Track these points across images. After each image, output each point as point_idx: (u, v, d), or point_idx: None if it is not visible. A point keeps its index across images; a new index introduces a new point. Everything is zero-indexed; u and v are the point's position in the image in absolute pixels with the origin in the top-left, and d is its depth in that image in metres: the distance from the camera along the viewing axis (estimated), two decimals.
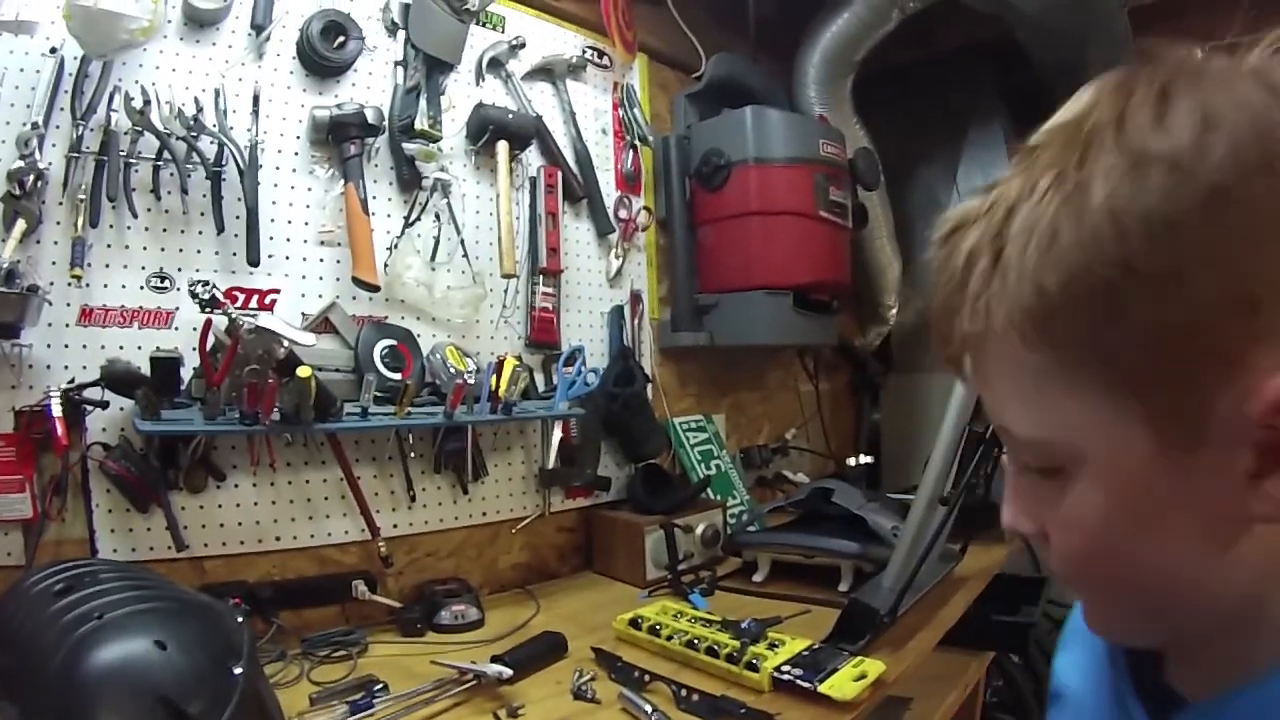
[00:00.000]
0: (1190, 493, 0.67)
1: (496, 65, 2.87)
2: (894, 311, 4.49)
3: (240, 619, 1.54)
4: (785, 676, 1.80)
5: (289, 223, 2.35)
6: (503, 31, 2.91)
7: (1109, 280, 0.63)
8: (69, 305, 1.99)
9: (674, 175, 3.39)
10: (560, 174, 2.97)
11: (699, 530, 2.86)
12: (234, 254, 2.22)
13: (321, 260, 2.40)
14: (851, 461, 4.42)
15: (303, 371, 1.97)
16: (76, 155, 1.98)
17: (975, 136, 4.62)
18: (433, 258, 2.61)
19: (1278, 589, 0.70)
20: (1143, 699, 0.85)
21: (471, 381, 2.38)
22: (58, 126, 1.98)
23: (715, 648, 1.94)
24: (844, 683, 1.74)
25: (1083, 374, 0.68)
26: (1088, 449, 0.70)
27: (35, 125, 1.92)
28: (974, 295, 0.73)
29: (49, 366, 1.97)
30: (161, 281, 2.12)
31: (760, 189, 3.24)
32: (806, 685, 1.75)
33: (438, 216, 2.64)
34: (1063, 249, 0.65)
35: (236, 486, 2.21)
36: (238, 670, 1.39)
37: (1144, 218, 0.62)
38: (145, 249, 2.11)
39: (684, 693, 1.79)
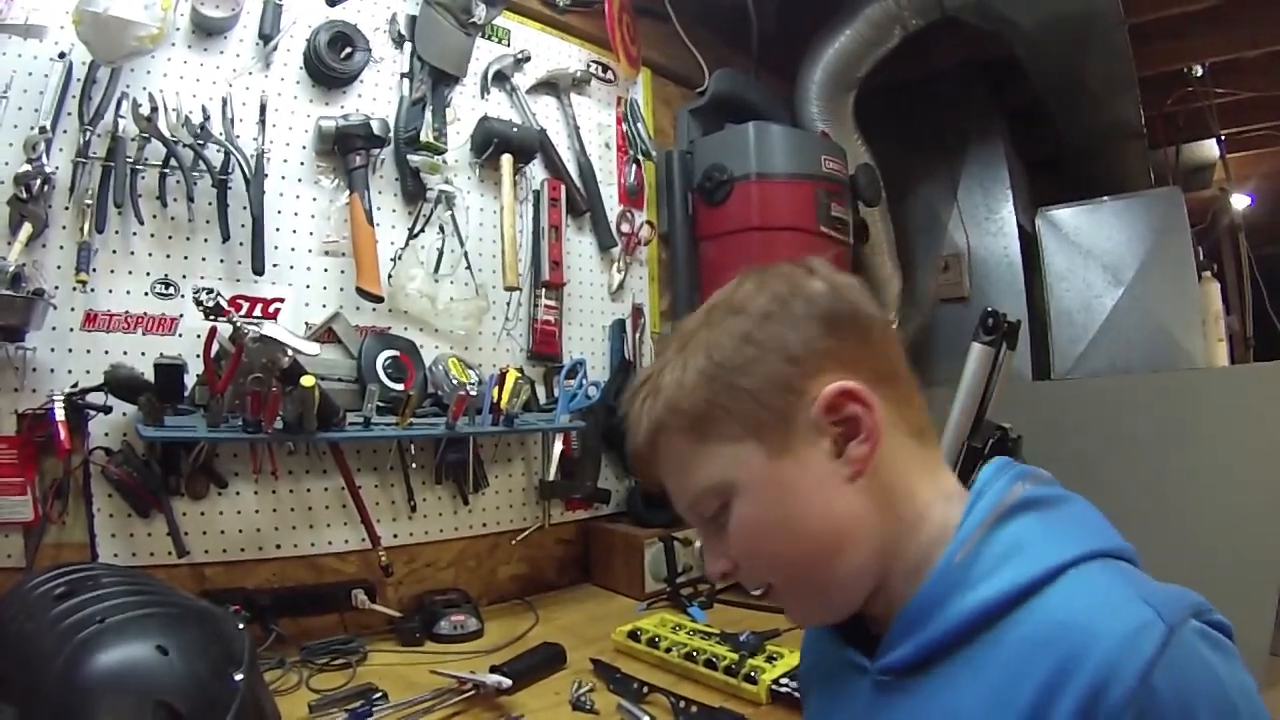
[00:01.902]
0: (807, 476, 1.04)
1: (501, 78, 2.89)
2: (894, 327, 4.48)
3: (240, 626, 1.54)
4: (783, 689, 1.81)
5: (294, 232, 2.37)
6: (508, 45, 2.93)
7: (732, 366, 1.05)
8: (73, 310, 2.01)
9: (676, 190, 3.40)
10: (564, 187, 2.99)
11: (698, 544, 2.82)
12: (239, 262, 2.23)
13: (325, 270, 2.42)
14: None
15: (306, 381, 1.98)
16: (83, 160, 1.99)
17: (975, 152, 4.64)
18: (436, 269, 2.62)
19: (900, 529, 1.04)
20: (855, 649, 1.11)
21: (474, 393, 2.39)
22: (65, 131, 2.00)
23: (714, 660, 1.94)
24: None
25: (711, 438, 1.06)
26: (732, 478, 1.05)
27: (43, 129, 1.93)
28: (636, 422, 1.13)
29: (52, 370, 1.98)
30: (166, 288, 2.13)
31: (762, 204, 3.24)
32: None
33: (441, 228, 2.65)
34: (682, 379, 1.08)
35: (238, 494, 2.22)
36: (238, 677, 1.39)
37: (743, 338, 1.06)
38: (150, 255, 2.12)
39: (682, 704, 1.79)
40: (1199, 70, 4.87)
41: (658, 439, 1.10)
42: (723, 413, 1.05)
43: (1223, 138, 5.58)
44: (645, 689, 1.89)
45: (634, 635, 2.17)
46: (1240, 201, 6.43)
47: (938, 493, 1.08)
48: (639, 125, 3.34)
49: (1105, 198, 4.23)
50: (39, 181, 1.90)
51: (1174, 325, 3.84)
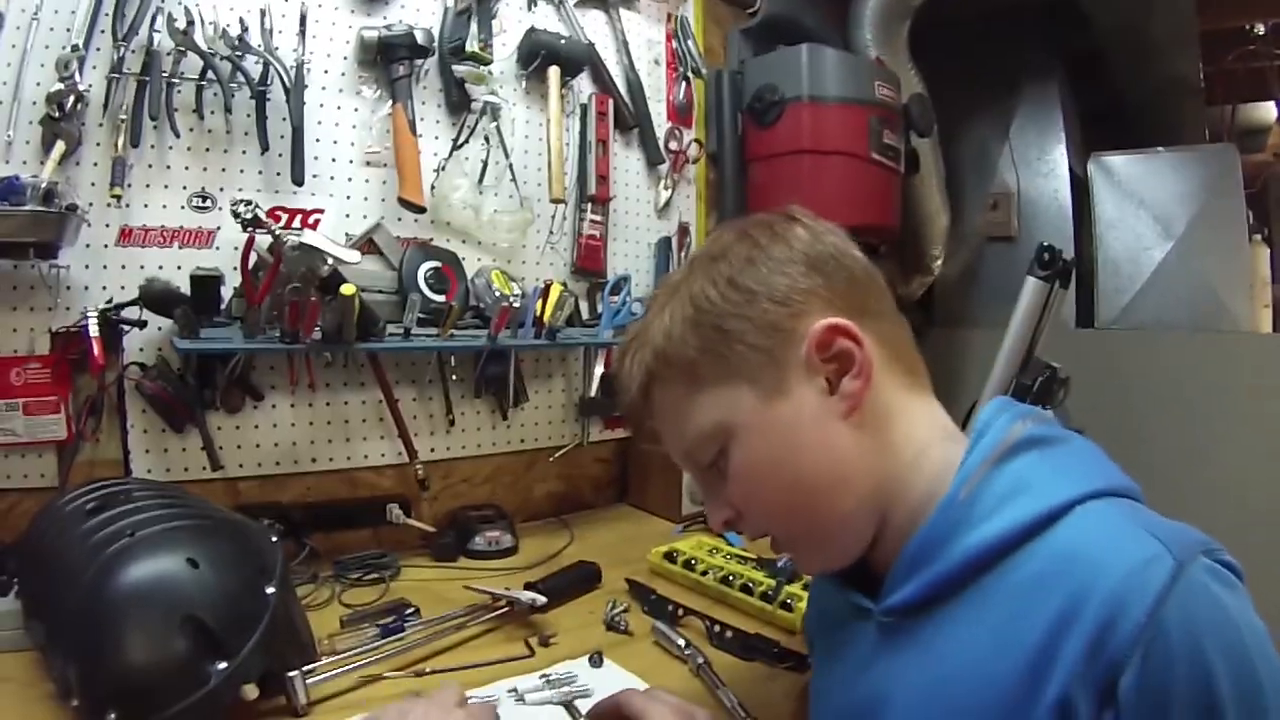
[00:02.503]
0: (803, 415, 1.06)
1: None
2: (939, 262, 4.43)
3: (274, 540, 1.54)
4: None
5: (334, 143, 2.34)
6: None
7: (717, 311, 1.08)
8: (108, 226, 2.00)
9: (726, 109, 3.33)
10: (611, 102, 2.94)
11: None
12: (277, 174, 2.21)
13: (367, 181, 2.39)
14: None
15: (347, 289, 1.95)
16: (117, 76, 1.96)
17: (1030, 94, 4.55)
18: (480, 181, 2.59)
19: (899, 467, 1.06)
20: (859, 591, 1.13)
21: (516, 306, 2.36)
22: (98, 49, 1.97)
23: (750, 585, 1.93)
24: None
25: (703, 383, 1.09)
26: (728, 421, 1.07)
27: (75, 48, 1.91)
28: (627, 377, 1.17)
29: (87, 288, 1.97)
30: (203, 201, 2.11)
31: (813, 127, 3.18)
32: None
33: (486, 140, 2.61)
34: (670, 329, 1.11)
35: (274, 407, 2.22)
36: (270, 590, 1.39)
37: (727, 282, 1.09)
38: (187, 169, 2.10)
39: (717, 629, 1.77)
40: (1261, 29, 4.77)
41: (651, 390, 1.14)
42: (713, 358, 1.08)
43: None
44: (680, 611, 1.88)
45: (670, 557, 2.16)
46: None
47: (937, 431, 1.11)
48: (689, 42, 3.28)
49: (1160, 148, 4.16)
50: (72, 99, 1.88)
51: (1221, 286, 3.77)
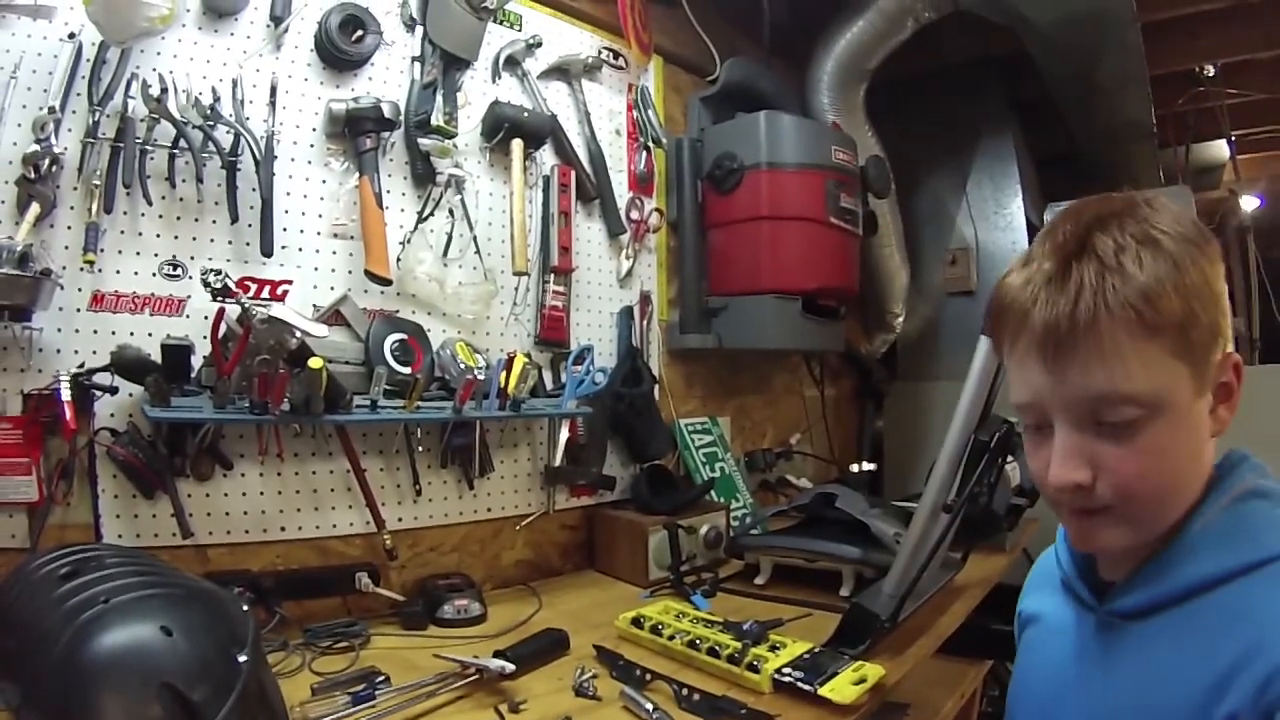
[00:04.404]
0: (1200, 421, 1.13)
1: (513, 63, 2.89)
2: (900, 319, 4.50)
3: (245, 608, 1.54)
4: (786, 678, 1.80)
5: (303, 214, 2.36)
6: (520, 30, 2.92)
7: (1195, 289, 1.08)
8: (81, 290, 2.00)
9: (686, 177, 3.40)
10: (574, 173, 2.98)
11: (702, 532, 2.87)
12: (247, 244, 2.23)
13: (334, 253, 2.41)
14: (854, 468, 4.45)
15: (314, 363, 1.98)
16: (92, 141, 1.98)
17: (985, 146, 4.65)
18: (445, 253, 2.62)
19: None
20: (1087, 587, 1.30)
21: (481, 377, 2.39)
22: (74, 112, 1.99)
23: (717, 648, 1.94)
24: (844, 686, 1.74)
25: (1166, 347, 1.07)
26: (1167, 397, 1.08)
27: (52, 110, 1.93)
28: (1074, 287, 1.09)
29: (59, 351, 1.97)
30: (174, 269, 2.13)
31: (772, 194, 3.25)
32: (807, 687, 1.75)
33: (451, 212, 2.65)
34: (1159, 276, 1.07)
35: (243, 476, 2.22)
36: (242, 658, 1.39)
37: (1201, 273, 1.11)
38: (159, 236, 2.11)
39: (685, 692, 1.79)
40: (1211, 70, 4.87)
41: (1101, 318, 1.07)
42: (1179, 331, 1.07)
43: (1233, 139, 5.59)
44: (648, 676, 1.89)
45: (637, 622, 2.17)
46: (1249, 203, 6.45)
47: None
48: (650, 112, 3.34)
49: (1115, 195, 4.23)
50: (47, 161, 1.89)
51: None
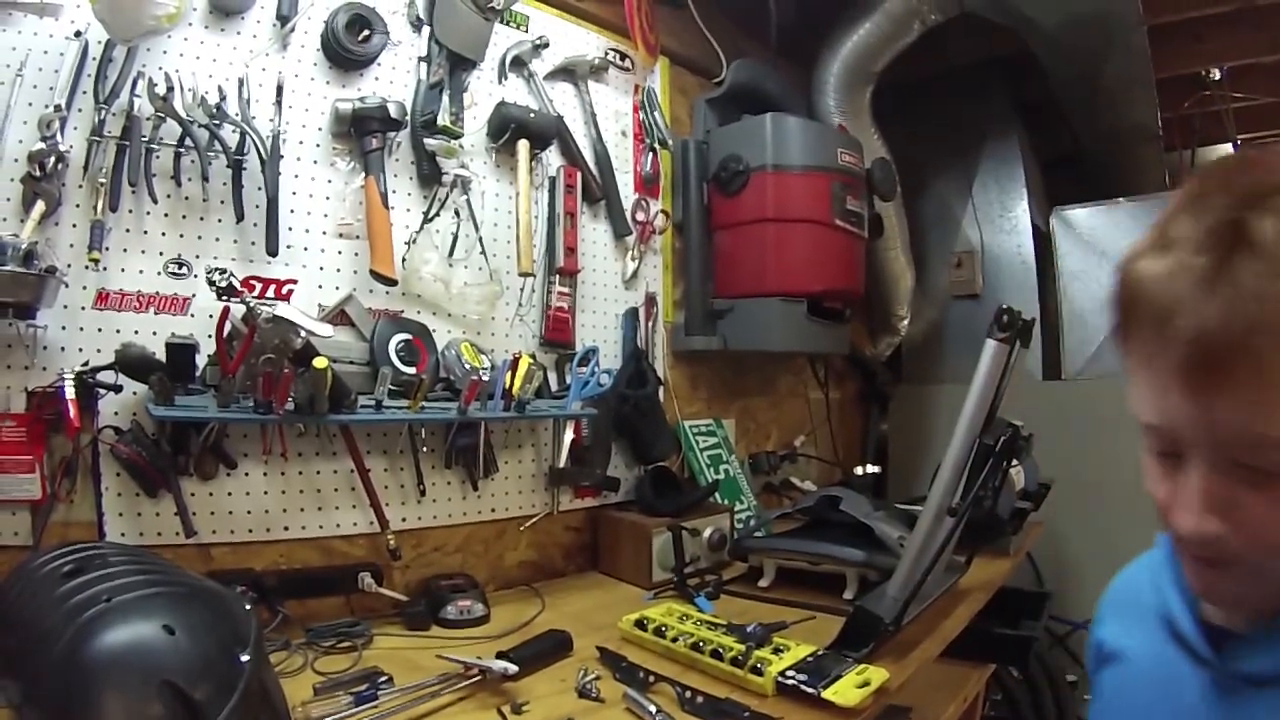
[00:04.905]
0: None
1: (519, 64, 2.89)
2: (905, 322, 4.50)
3: (247, 607, 1.54)
4: (789, 681, 1.80)
5: (308, 214, 2.36)
6: (526, 30, 2.92)
7: None
8: (85, 288, 2.00)
9: (692, 179, 3.40)
10: (580, 174, 2.98)
11: (706, 534, 2.87)
12: (252, 243, 2.23)
13: (339, 252, 2.41)
14: (859, 470, 4.44)
15: (319, 363, 1.98)
16: (98, 139, 1.98)
17: (991, 149, 4.65)
18: (450, 254, 2.62)
19: None
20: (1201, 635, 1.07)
21: (486, 378, 2.40)
22: (80, 110, 1.99)
23: (720, 651, 1.93)
24: (847, 689, 1.74)
25: None
26: None
27: (58, 108, 1.93)
28: (1257, 301, 0.82)
29: (63, 349, 1.97)
30: (179, 268, 2.12)
31: (777, 196, 3.25)
32: (810, 690, 1.75)
33: (457, 213, 2.65)
34: None
35: (247, 475, 2.22)
36: (244, 658, 1.38)
37: None
38: (164, 235, 2.11)
39: (688, 694, 1.79)
40: (1217, 74, 4.86)
41: (1263, 336, 0.82)
42: None
43: (1239, 143, 5.57)
44: (651, 678, 1.89)
45: (640, 624, 2.16)
46: None
47: None
48: (656, 114, 3.33)
49: (1121, 199, 4.23)
50: (53, 159, 1.89)
51: None
